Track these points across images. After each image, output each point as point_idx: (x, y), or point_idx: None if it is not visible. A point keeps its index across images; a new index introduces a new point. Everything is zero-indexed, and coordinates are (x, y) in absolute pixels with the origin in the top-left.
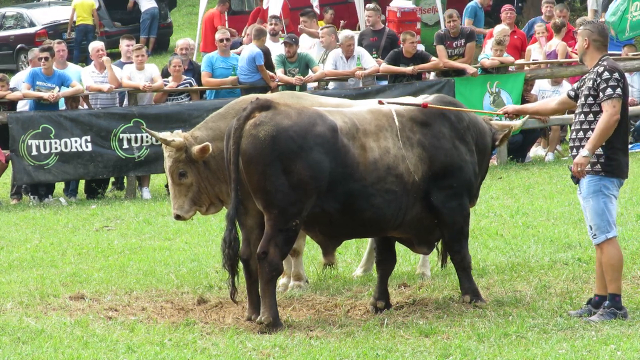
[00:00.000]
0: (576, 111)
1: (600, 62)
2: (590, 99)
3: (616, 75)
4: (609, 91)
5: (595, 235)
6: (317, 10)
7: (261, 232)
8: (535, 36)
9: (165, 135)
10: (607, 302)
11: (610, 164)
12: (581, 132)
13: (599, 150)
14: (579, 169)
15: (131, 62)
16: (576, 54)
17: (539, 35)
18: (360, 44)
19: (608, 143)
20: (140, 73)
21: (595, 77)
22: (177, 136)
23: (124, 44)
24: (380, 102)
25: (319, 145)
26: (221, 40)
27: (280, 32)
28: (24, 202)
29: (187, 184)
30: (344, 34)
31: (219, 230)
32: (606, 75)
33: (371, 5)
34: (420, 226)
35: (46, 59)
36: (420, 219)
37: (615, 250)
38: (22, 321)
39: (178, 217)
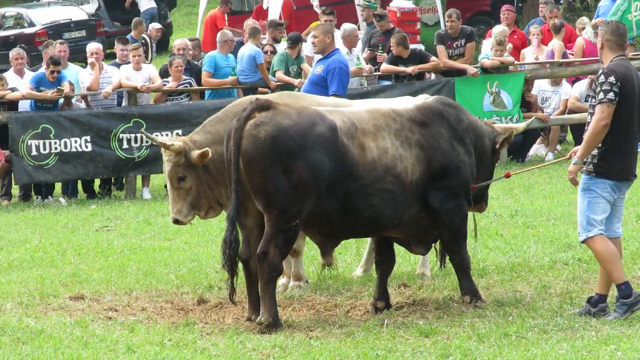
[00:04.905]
0: None
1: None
2: (594, 100)
3: (611, 79)
4: (600, 96)
5: (579, 232)
6: (318, 10)
7: (261, 232)
8: (530, 37)
9: (165, 139)
10: (616, 295)
11: (602, 165)
12: (585, 133)
13: (594, 151)
14: (570, 177)
15: (127, 63)
16: (573, 54)
17: (532, 37)
18: (369, 43)
19: (604, 144)
20: (138, 73)
21: (596, 79)
22: (176, 140)
23: (119, 48)
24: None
25: (319, 145)
26: (225, 41)
27: (284, 33)
28: (19, 201)
29: (186, 188)
30: (344, 27)
31: (219, 230)
32: (601, 79)
33: (378, 13)
34: (418, 226)
35: (58, 72)
36: (417, 219)
37: (600, 246)
38: (22, 321)
39: (176, 222)
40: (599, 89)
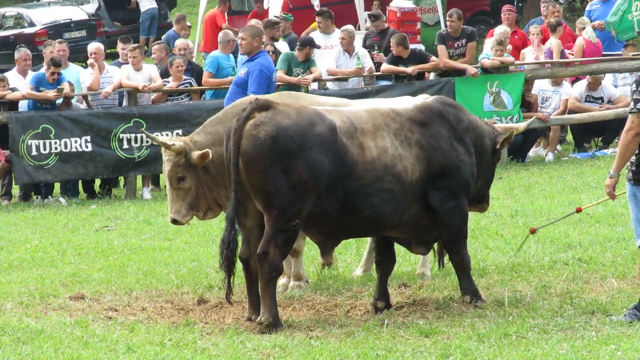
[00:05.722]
0: None
1: None
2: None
3: None
4: (631, 105)
5: (635, 238)
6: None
7: (261, 232)
8: (530, 37)
9: (165, 139)
10: (635, 303)
11: (639, 172)
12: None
13: (633, 158)
14: (607, 190)
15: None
16: (572, 54)
17: (533, 37)
18: (364, 44)
19: None
20: (139, 73)
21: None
22: (177, 140)
23: (120, 47)
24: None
25: (318, 145)
26: (227, 41)
27: (282, 32)
28: (19, 201)
29: (186, 189)
30: (343, 29)
31: (219, 230)
32: (633, 87)
33: (373, 13)
34: (418, 226)
35: (58, 73)
36: (417, 219)
37: None
38: (22, 321)
39: (175, 222)
40: (632, 97)
